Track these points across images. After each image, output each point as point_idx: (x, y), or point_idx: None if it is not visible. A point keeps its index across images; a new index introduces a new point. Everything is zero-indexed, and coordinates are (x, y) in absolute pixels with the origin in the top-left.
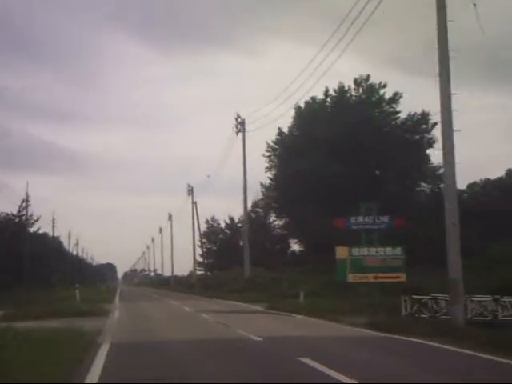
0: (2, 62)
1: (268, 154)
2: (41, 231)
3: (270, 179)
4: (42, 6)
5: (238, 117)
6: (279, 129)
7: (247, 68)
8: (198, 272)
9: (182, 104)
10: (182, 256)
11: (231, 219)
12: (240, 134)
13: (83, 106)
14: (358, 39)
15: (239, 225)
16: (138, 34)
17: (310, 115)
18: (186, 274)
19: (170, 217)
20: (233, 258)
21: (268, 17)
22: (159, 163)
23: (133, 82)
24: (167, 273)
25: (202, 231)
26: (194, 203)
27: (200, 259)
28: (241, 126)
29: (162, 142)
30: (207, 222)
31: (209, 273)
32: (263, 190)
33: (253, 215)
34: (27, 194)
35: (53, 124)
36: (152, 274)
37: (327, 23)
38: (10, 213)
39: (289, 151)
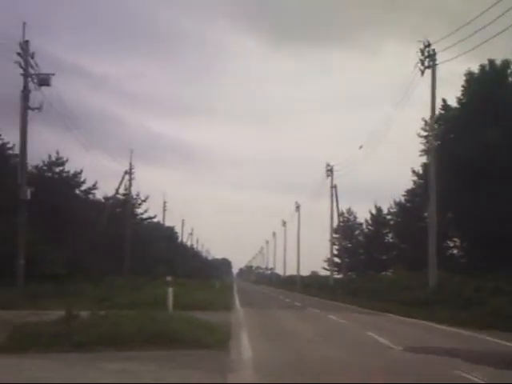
0: (126, 58)
1: (425, 133)
2: (153, 219)
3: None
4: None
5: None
6: (443, 101)
7: (363, 66)
8: (323, 272)
9: (302, 100)
10: (304, 254)
11: (378, 209)
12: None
13: (201, 101)
14: None
15: (388, 217)
16: (258, 31)
17: (489, 82)
18: (307, 273)
19: (297, 208)
20: (377, 257)
21: (384, 14)
22: (279, 160)
23: (251, 79)
24: (284, 271)
25: (334, 225)
26: (333, 187)
27: (331, 258)
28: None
29: (279, 138)
30: (341, 214)
31: (351, 274)
32: (415, 178)
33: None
34: (130, 165)
35: (170, 118)
36: (268, 272)
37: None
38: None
39: (456, 128)
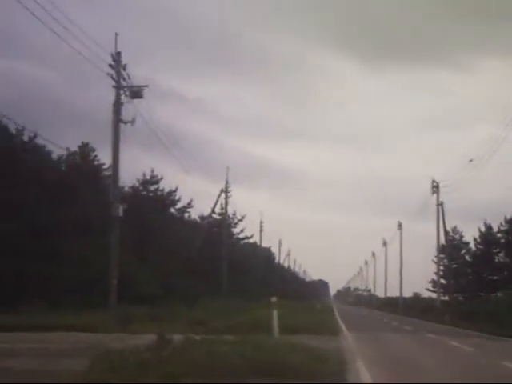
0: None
1: None
2: (250, 239)
3: None
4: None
5: None
6: None
7: (459, 84)
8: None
9: (396, 121)
10: (406, 275)
11: (489, 227)
12: None
13: (296, 122)
14: None
15: (499, 235)
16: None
17: None
18: (408, 295)
19: (399, 225)
20: (487, 278)
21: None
22: (373, 182)
23: (346, 99)
24: (385, 292)
25: (439, 244)
26: (439, 204)
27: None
28: None
29: (374, 159)
30: (447, 233)
31: (457, 296)
32: None
33: None
34: (227, 182)
35: (266, 141)
36: (365, 293)
37: None
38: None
39: None
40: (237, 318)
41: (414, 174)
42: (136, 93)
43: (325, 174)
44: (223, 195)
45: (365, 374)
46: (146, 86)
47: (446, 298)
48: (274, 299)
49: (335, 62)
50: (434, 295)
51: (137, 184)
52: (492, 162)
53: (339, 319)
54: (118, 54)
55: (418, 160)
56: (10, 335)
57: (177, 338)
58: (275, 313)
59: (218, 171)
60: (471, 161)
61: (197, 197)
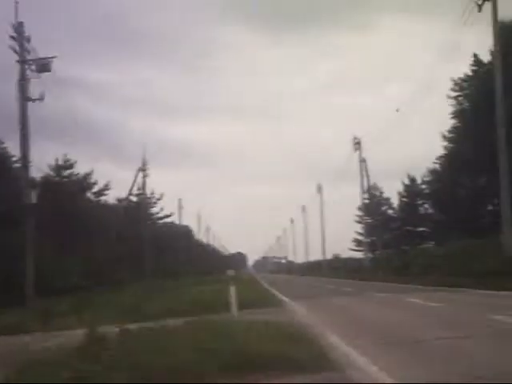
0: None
1: (455, 94)
2: (169, 218)
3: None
4: None
5: None
6: (475, 56)
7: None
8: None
9: (297, 88)
10: (326, 238)
11: (412, 179)
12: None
13: (195, 96)
14: None
15: (423, 186)
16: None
17: None
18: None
19: (318, 189)
20: (413, 230)
21: None
22: (280, 151)
23: (245, 71)
24: (306, 257)
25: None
26: (362, 161)
27: (358, 238)
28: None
29: (291, 128)
30: (369, 190)
31: (382, 252)
32: (445, 143)
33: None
34: (143, 161)
35: (168, 117)
36: (283, 260)
37: None
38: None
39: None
40: (172, 299)
41: (333, 139)
42: (43, 66)
43: (241, 147)
44: (140, 175)
45: (352, 354)
46: (55, 56)
47: (370, 255)
48: (231, 272)
49: (236, 36)
50: (358, 255)
51: (50, 171)
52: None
53: (272, 288)
54: (20, 24)
55: (335, 123)
56: None
57: (110, 331)
58: (233, 289)
59: (130, 155)
60: (398, 110)
61: (112, 182)
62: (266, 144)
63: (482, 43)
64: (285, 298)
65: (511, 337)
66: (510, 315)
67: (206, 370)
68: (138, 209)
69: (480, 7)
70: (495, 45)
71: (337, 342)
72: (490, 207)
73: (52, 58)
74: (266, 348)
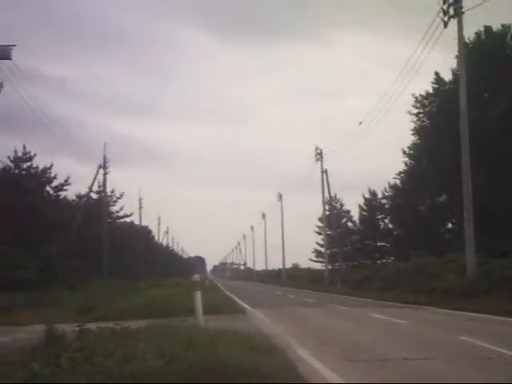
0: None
1: (416, 110)
2: (130, 217)
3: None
4: None
5: None
6: (436, 74)
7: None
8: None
9: (258, 96)
10: (286, 247)
11: (373, 193)
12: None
13: (156, 98)
14: None
15: (383, 201)
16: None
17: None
18: (289, 266)
19: (279, 197)
20: (373, 245)
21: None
22: (240, 157)
23: (205, 74)
24: (266, 265)
25: (324, 212)
26: (324, 171)
27: (318, 249)
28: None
29: (241, 135)
30: (330, 201)
31: (341, 265)
32: (406, 159)
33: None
34: (105, 158)
35: (128, 117)
36: (242, 267)
37: None
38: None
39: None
40: (128, 300)
41: (295, 148)
42: (2, 53)
43: (199, 150)
44: (101, 172)
45: (325, 370)
46: (14, 45)
47: (329, 267)
48: (196, 276)
49: (196, 37)
50: (317, 265)
51: (7, 163)
52: (374, 132)
53: (232, 295)
54: None
55: (296, 133)
56: None
57: (70, 330)
58: (198, 294)
59: (89, 151)
60: (361, 123)
61: (71, 179)
62: (228, 150)
63: (445, 60)
64: (249, 308)
65: (479, 360)
66: (475, 337)
67: (169, 379)
68: (97, 206)
69: (446, 24)
70: (459, 62)
71: (304, 355)
72: (449, 225)
73: (12, 46)
74: (233, 358)
